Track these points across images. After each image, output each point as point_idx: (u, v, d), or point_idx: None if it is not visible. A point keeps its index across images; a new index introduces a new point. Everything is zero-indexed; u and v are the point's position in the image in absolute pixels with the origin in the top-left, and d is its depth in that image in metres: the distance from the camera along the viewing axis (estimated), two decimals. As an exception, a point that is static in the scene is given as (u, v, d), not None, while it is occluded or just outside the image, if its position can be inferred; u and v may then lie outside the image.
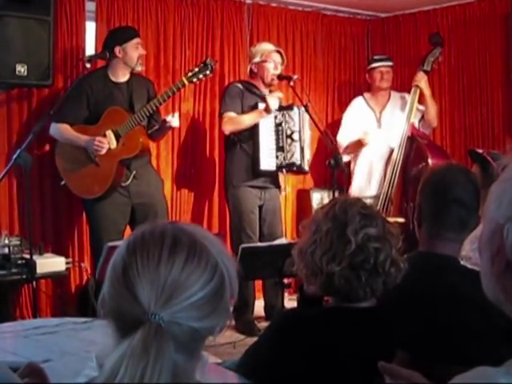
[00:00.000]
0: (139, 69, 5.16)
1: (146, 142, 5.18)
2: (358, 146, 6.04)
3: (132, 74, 5.17)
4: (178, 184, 5.99)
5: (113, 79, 5.11)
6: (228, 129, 5.42)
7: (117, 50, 5.03)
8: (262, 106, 5.37)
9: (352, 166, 6.22)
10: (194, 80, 5.03)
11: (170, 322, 1.21)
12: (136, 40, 5.11)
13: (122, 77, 5.14)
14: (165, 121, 5.13)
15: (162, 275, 1.23)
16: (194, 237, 1.31)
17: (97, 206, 5.05)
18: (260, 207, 5.53)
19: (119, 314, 1.25)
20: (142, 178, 5.14)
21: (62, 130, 5.04)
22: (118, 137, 4.95)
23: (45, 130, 5.06)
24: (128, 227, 5.13)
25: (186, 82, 5.02)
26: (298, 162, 5.40)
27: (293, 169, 5.48)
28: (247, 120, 5.37)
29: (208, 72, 5.03)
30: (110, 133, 4.95)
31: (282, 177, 5.65)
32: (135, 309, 1.22)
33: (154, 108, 5.02)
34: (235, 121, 5.39)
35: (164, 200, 5.37)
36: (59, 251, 5.37)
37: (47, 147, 5.38)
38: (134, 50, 5.07)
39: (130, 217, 5.13)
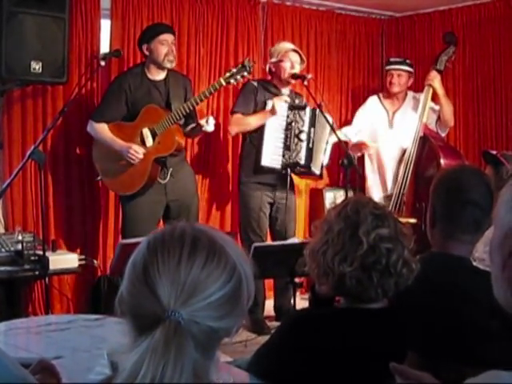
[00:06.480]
0: (168, 66, 5.09)
1: (182, 141, 5.17)
2: (358, 148, 5.96)
3: (169, 70, 5.16)
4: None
5: (150, 77, 5.12)
6: (234, 130, 5.55)
7: (144, 48, 5.07)
8: (269, 105, 5.37)
9: (366, 166, 6.19)
10: (232, 81, 5.00)
11: (189, 320, 1.22)
12: (162, 36, 5.05)
13: (158, 75, 5.14)
14: (199, 125, 5.13)
15: (183, 274, 1.25)
16: (213, 238, 1.32)
17: (132, 203, 5.06)
18: (271, 205, 5.52)
19: (138, 312, 1.26)
20: (178, 174, 5.15)
21: (98, 130, 5.06)
22: (154, 135, 4.96)
23: (58, 127, 5.09)
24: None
25: (223, 83, 5.00)
26: (302, 162, 5.38)
27: (296, 168, 5.44)
28: (253, 122, 5.39)
29: (246, 73, 5.00)
30: (146, 131, 4.96)
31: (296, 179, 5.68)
32: (155, 306, 1.23)
33: (191, 107, 5.01)
34: (241, 122, 5.44)
35: (197, 196, 5.40)
36: (72, 248, 5.40)
37: (61, 144, 5.40)
38: (159, 47, 5.03)
39: (164, 214, 5.15)
